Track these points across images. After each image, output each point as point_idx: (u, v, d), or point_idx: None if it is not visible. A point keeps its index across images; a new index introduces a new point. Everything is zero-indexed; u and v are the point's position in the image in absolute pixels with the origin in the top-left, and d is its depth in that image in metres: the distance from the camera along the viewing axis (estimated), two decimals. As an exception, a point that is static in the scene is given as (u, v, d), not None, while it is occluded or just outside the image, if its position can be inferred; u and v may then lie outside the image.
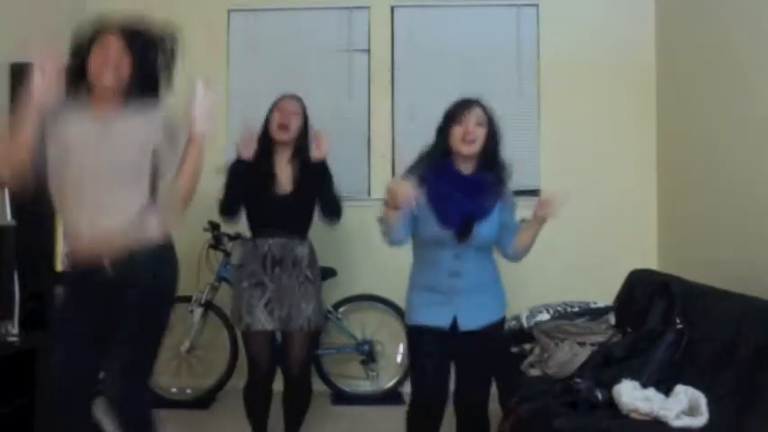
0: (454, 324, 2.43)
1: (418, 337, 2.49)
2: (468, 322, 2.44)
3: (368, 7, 4.36)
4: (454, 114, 2.45)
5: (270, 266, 2.90)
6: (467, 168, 2.47)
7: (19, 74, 3.53)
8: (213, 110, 2.23)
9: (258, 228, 2.99)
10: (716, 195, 3.38)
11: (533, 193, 4.28)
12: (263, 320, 2.87)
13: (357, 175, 4.27)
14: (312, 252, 3.03)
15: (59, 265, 3.29)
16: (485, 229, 2.44)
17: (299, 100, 3.05)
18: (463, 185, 2.44)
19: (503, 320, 2.59)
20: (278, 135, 2.93)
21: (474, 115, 2.43)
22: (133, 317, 2.16)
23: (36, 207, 3.15)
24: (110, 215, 2.13)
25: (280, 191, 2.93)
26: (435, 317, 2.45)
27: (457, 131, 2.41)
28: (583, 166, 4.23)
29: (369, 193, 4.29)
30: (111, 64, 2.14)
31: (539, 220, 2.44)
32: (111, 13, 2.24)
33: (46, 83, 2.04)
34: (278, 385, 3.03)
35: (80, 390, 2.21)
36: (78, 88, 2.20)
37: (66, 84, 2.18)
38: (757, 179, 2.99)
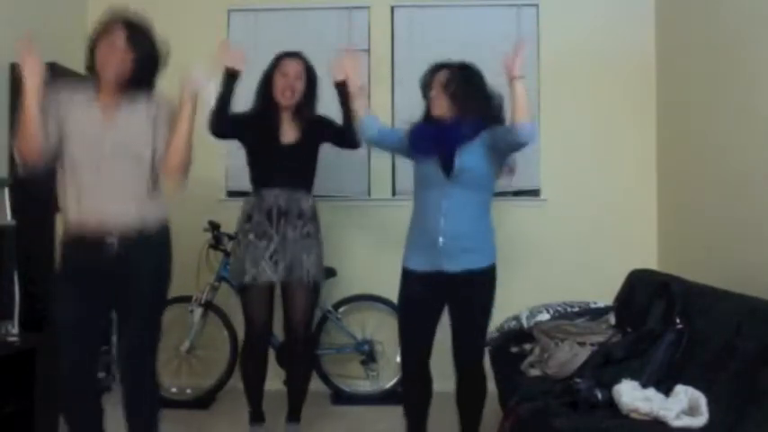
0: (441, 268, 2.56)
1: (404, 281, 2.66)
2: (453, 265, 2.54)
3: (368, 7, 4.35)
4: (426, 83, 2.74)
5: (276, 218, 2.95)
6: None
7: (19, 74, 3.54)
8: (208, 76, 2.46)
9: (263, 178, 3.03)
10: (716, 195, 3.38)
11: (533, 193, 4.30)
12: (269, 272, 2.93)
13: (357, 175, 4.27)
14: (315, 207, 3.10)
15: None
16: (467, 159, 2.55)
17: (301, 59, 3.10)
18: (442, 126, 2.64)
19: (491, 268, 2.65)
20: (283, 100, 3.01)
21: (437, 80, 2.68)
22: (142, 296, 2.36)
23: (36, 207, 3.17)
24: (115, 199, 2.30)
25: (284, 141, 2.99)
26: (421, 261, 2.61)
27: (430, 96, 2.68)
28: (583, 166, 4.24)
29: (369, 194, 4.29)
30: (116, 55, 2.28)
31: (511, 81, 2.48)
32: (119, 7, 2.38)
33: (34, 80, 2.23)
34: (276, 384, 3.03)
35: (92, 383, 2.38)
36: (91, 78, 2.36)
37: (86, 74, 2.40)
38: (757, 179, 2.99)
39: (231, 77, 3.00)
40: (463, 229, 2.57)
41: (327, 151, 3.27)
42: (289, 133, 3.03)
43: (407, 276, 2.66)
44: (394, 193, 4.29)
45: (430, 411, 2.89)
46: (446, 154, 2.56)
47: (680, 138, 3.90)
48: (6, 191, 3.23)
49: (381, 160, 4.29)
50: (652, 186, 4.22)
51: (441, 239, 2.54)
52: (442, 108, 2.63)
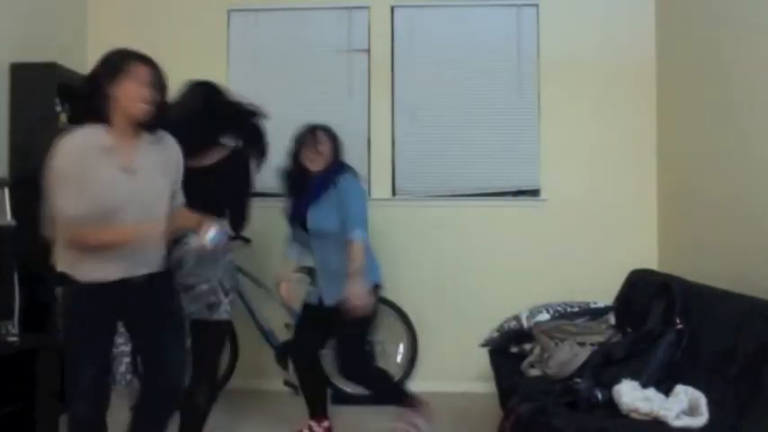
0: (321, 299, 3.12)
1: (303, 311, 3.25)
2: (327, 299, 3.08)
3: (368, 7, 4.35)
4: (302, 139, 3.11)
5: None
6: (317, 169, 3.08)
7: (19, 74, 3.55)
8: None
9: None
10: (716, 196, 3.38)
11: (533, 193, 4.30)
12: None
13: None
14: None
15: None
16: (315, 216, 3.03)
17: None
18: (306, 187, 3.07)
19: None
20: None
21: (316, 137, 3.08)
22: (175, 307, 2.50)
23: (36, 207, 3.16)
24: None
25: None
26: (310, 294, 3.22)
27: (305, 152, 3.08)
28: (582, 166, 4.24)
29: (369, 194, 4.29)
30: (145, 94, 2.20)
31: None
32: (134, 48, 2.27)
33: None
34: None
35: (106, 393, 2.37)
36: (96, 113, 2.21)
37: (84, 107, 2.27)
38: (758, 180, 2.98)
39: None
40: (332, 270, 3.09)
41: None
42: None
43: (305, 307, 3.28)
44: (394, 193, 4.30)
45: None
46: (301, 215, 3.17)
47: (680, 138, 3.90)
48: (6, 191, 3.22)
49: (382, 160, 4.30)
50: (652, 186, 4.22)
51: (320, 279, 3.18)
52: (319, 165, 3.09)
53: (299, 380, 3.31)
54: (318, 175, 3.05)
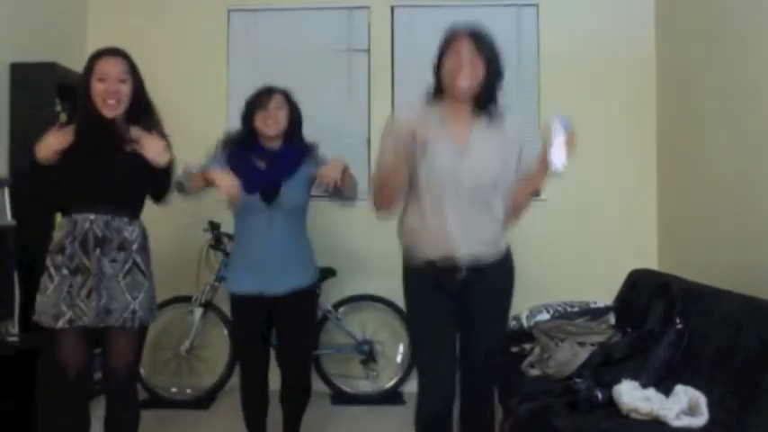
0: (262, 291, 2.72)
1: (237, 305, 2.79)
2: (275, 288, 2.71)
3: (368, 7, 4.36)
4: (257, 101, 2.77)
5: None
6: (274, 145, 2.78)
7: (19, 74, 3.55)
8: None
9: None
10: (716, 195, 3.38)
11: (533, 193, 4.29)
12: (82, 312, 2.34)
13: (357, 176, 4.24)
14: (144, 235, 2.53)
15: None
16: (291, 191, 2.74)
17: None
18: (268, 158, 2.75)
19: (311, 287, 2.87)
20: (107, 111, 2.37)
21: (275, 101, 2.75)
22: None
23: (36, 207, 3.17)
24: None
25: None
26: (241, 283, 2.75)
27: (261, 115, 2.73)
28: (583, 166, 4.22)
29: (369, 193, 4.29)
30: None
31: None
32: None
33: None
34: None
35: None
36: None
37: None
38: (758, 179, 2.98)
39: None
40: (288, 254, 2.79)
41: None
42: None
43: (240, 300, 2.83)
44: (394, 193, 4.29)
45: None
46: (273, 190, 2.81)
47: (680, 138, 3.90)
48: (6, 191, 3.23)
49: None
50: (652, 186, 4.22)
51: (267, 265, 2.76)
52: (276, 129, 2.80)
53: (245, 408, 2.90)
54: (285, 147, 2.78)
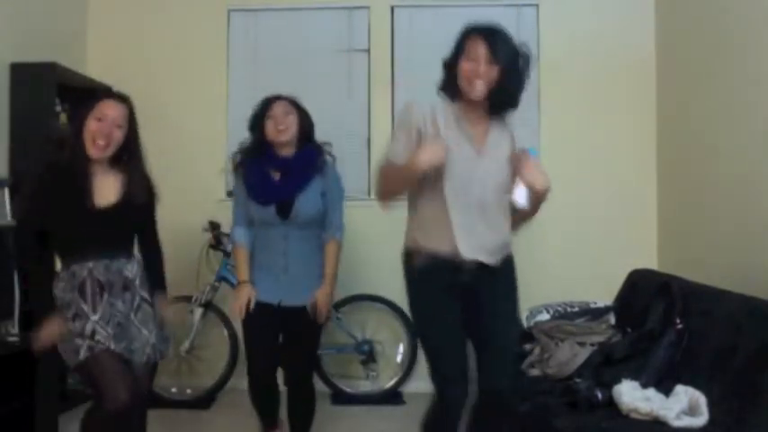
0: (281, 300, 2.73)
1: (252, 313, 2.73)
2: (294, 300, 2.72)
3: (368, 7, 4.35)
4: (264, 109, 2.75)
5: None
6: (287, 153, 2.75)
7: (19, 73, 3.55)
8: None
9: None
10: (716, 195, 3.38)
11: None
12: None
13: (357, 175, 4.26)
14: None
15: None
16: (305, 203, 2.71)
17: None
18: (282, 168, 2.73)
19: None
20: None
21: (282, 107, 2.73)
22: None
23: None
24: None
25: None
26: (269, 294, 2.73)
27: (270, 123, 2.71)
28: (583, 165, 4.23)
29: (369, 194, 4.29)
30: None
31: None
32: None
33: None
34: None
35: None
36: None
37: None
38: (757, 179, 2.98)
39: None
40: (304, 266, 2.79)
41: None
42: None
43: (257, 307, 2.78)
44: (394, 193, 4.29)
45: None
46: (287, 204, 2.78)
47: (680, 137, 3.90)
48: (6, 191, 3.22)
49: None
50: (652, 186, 4.22)
51: (284, 277, 2.77)
52: (286, 136, 2.77)
53: (254, 399, 2.90)
54: (299, 156, 2.75)
